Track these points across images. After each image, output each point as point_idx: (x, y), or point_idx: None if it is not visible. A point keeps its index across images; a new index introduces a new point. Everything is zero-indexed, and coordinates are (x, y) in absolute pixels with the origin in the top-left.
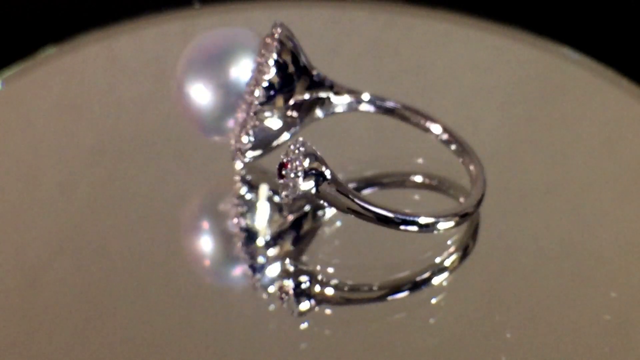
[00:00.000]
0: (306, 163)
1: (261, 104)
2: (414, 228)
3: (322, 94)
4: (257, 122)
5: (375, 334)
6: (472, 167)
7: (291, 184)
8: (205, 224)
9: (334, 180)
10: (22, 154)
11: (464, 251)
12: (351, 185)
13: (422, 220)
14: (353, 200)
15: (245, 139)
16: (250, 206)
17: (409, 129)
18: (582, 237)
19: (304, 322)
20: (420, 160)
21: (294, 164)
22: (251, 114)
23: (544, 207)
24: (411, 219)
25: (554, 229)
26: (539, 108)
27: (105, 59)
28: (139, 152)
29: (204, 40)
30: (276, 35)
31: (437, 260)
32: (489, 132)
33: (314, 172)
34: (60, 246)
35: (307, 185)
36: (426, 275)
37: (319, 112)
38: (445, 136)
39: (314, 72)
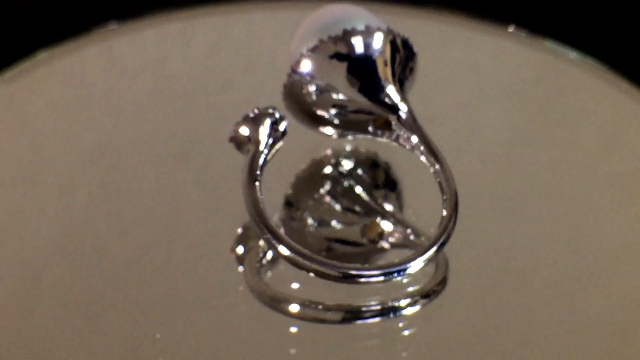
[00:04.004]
0: (252, 113)
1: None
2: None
3: (390, 114)
4: None
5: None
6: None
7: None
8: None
9: (256, 151)
10: (22, 155)
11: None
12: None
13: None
14: (249, 187)
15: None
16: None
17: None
18: (582, 242)
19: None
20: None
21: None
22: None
23: (543, 211)
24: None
25: (553, 234)
26: (539, 109)
27: (104, 60)
28: (139, 153)
29: (318, 13)
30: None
31: (414, 287)
32: (488, 134)
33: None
34: (60, 246)
35: (239, 129)
36: (401, 302)
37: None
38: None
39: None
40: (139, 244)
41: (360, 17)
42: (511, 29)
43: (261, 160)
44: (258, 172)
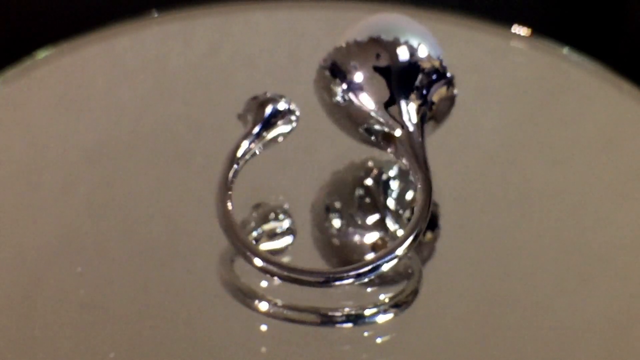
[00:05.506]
0: (263, 95)
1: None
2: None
3: (396, 131)
4: None
5: None
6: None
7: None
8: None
9: (249, 131)
10: (22, 154)
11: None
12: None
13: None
14: (226, 166)
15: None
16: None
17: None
18: (581, 242)
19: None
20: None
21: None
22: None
23: (542, 210)
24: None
25: (553, 234)
26: (539, 109)
27: (105, 59)
28: (139, 153)
29: (367, 18)
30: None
31: (387, 295)
32: (488, 134)
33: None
34: (60, 246)
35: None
36: (373, 310)
37: (383, 144)
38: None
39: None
40: (138, 244)
41: (398, 28)
42: (511, 29)
43: (248, 142)
44: (242, 153)
